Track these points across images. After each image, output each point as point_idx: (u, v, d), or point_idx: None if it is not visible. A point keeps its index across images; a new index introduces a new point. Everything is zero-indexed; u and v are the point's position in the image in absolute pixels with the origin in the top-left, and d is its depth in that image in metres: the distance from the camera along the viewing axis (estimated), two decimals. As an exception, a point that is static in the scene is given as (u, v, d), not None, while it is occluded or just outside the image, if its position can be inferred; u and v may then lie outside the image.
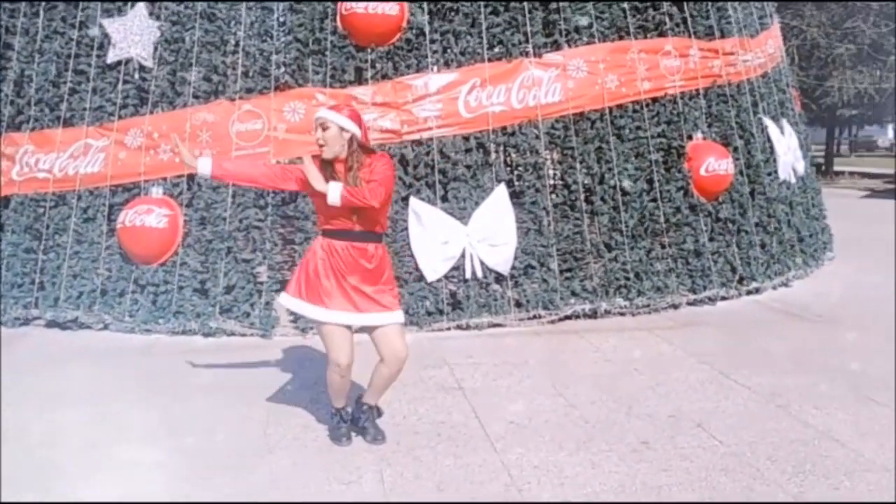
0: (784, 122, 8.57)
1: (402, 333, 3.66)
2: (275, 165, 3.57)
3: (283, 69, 6.43)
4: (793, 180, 8.37)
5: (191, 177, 6.20)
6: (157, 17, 6.37)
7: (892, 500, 3.10)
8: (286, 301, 3.70)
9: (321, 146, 3.54)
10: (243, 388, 4.64)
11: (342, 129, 3.53)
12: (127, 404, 4.39)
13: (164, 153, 6.22)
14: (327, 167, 3.56)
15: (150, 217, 5.97)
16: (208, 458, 3.64)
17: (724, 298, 6.81)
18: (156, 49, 6.35)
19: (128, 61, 6.35)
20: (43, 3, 6.64)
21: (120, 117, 6.33)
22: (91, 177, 6.35)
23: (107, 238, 6.24)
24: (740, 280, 7.01)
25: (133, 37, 6.33)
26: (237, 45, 6.35)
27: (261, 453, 3.71)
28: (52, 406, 4.37)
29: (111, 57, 6.35)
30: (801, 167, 8.73)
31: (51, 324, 6.17)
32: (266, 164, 3.55)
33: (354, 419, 3.89)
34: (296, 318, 5.96)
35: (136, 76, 6.37)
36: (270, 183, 3.86)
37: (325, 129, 3.53)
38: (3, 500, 2.97)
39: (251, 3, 6.36)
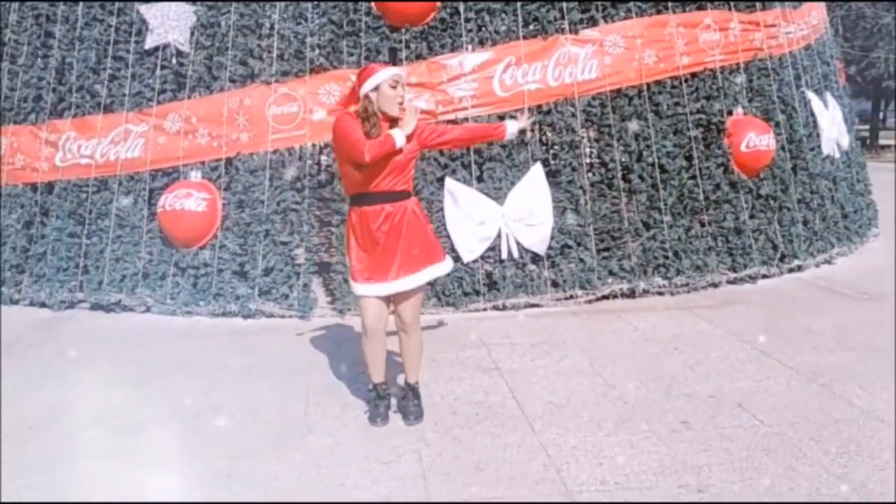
0: (828, 95, 8.36)
1: (416, 301, 3.76)
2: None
3: (317, 51, 6.44)
4: (837, 155, 8.17)
5: (229, 160, 6.27)
6: (193, 2, 6.41)
7: (892, 501, 3.03)
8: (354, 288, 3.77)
9: (400, 105, 3.60)
10: (283, 369, 4.70)
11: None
12: (170, 385, 4.49)
13: (201, 137, 6.28)
14: (369, 122, 3.57)
15: (189, 201, 6.05)
16: (250, 439, 3.70)
17: (765, 277, 6.70)
18: (192, 34, 6.41)
19: (165, 47, 6.41)
20: (82, -9, 6.73)
21: (158, 102, 6.41)
22: (131, 162, 6.45)
23: (148, 222, 6.34)
24: (782, 258, 6.88)
25: (170, 22, 6.39)
26: (272, 28, 6.37)
27: (301, 433, 3.76)
28: (98, 388, 4.48)
29: (149, 43, 6.42)
30: (845, 141, 8.52)
31: (95, 306, 6.31)
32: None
33: (396, 398, 3.95)
34: (333, 299, 6.02)
35: (174, 61, 6.43)
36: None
37: (404, 89, 3.65)
38: (4, 500, 3.04)
39: (285, -15, 6.37)
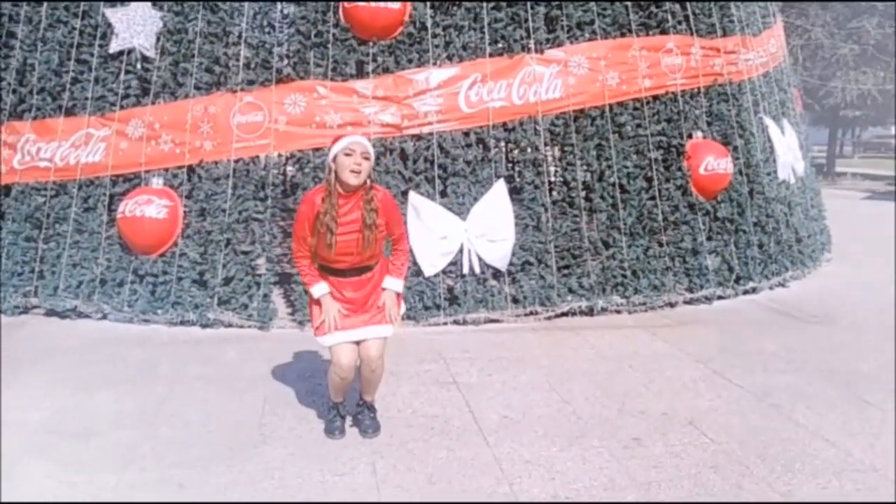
0: (785, 121, 8.58)
1: (381, 345, 3.74)
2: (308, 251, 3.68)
3: (285, 61, 6.44)
4: (792, 180, 8.38)
5: (191, 168, 6.22)
6: (160, 8, 6.37)
7: (892, 501, 3.12)
8: (323, 341, 3.73)
9: (354, 173, 3.49)
10: (240, 379, 4.68)
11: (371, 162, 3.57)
12: (124, 393, 4.43)
13: (164, 144, 6.23)
14: (329, 197, 3.52)
15: (150, 207, 5.99)
16: (204, 448, 3.67)
17: (720, 298, 6.83)
18: (158, 39, 6.37)
19: (130, 51, 6.36)
20: (46, -8, 6.65)
21: (122, 107, 6.35)
22: (92, 166, 6.37)
23: (107, 228, 6.26)
24: (737, 279, 7.03)
25: (136, 27, 6.34)
26: (239, 36, 6.36)
27: (256, 443, 3.74)
28: (49, 395, 4.40)
29: (114, 47, 6.37)
30: (800, 167, 8.74)
31: (50, 312, 6.20)
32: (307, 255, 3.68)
33: (351, 414, 3.95)
34: (293, 310, 5.99)
35: (139, 66, 6.38)
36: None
37: (366, 158, 3.51)
38: (3, 500, 3.00)
39: (254, -5, 6.37)
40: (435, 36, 6.36)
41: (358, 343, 3.71)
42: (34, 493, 3.21)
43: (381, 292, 3.75)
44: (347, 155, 3.48)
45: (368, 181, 3.57)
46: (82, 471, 3.42)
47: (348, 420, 3.94)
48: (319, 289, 3.66)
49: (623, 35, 6.85)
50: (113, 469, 3.44)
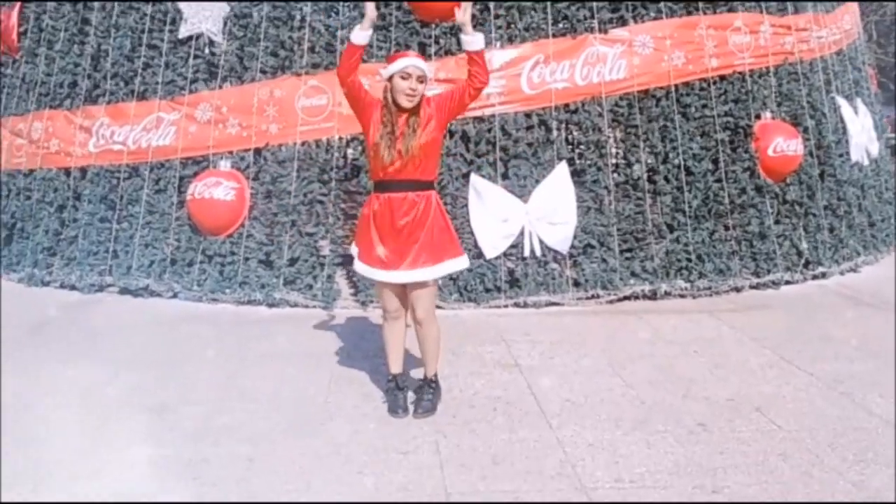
0: (858, 101, 8.29)
1: (430, 293, 3.78)
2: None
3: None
4: (865, 162, 8.10)
5: (257, 151, 6.35)
6: (227, -7, 6.50)
7: (892, 501, 3.03)
8: (353, 250, 3.90)
9: (409, 97, 3.57)
10: (305, 358, 4.78)
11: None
12: (194, 369, 4.58)
13: (232, 127, 6.38)
14: (388, 115, 3.60)
15: (218, 190, 6.15)
16: (272, 423, 3.77)
17: (788, 283, 6.67)
18: (225, 24, 6.50)
19: (198, 36, 6.51)
20: (119, -21, 6.85)
21: (190, 91, 6.52)
22: (162, 149, 6.57)
23: (177, 209, 6.45)
24: (806, 264, 6.85)
25: (204, 12, 6.49)
26: (303, 20, 6.44)
27: (322, 420, 3.82)
28: (124, 369, 4.58)
29: (183, 32, 6.53)
30: (875, 149, 8.44)
31: (123, 291, 6.44)
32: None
33: (413, 390, 4.02)
34: (356, 290, 6.08)
35: (206, 51, 6.53)
36: (358, 100, 3.74)
37: (421, 81, 3.58)
38: (4, 500, 3.11)
39: (318, -21, 6.43)
40: (497, 17, 6.33)
41: (405, 289, 3.75)
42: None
43: (426, 232, 3.68)
44: (403, 78, 3.55)
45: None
46: (158, 444, 3.55)
47: (410, 397, 3.99)
48: (355, 33, 3.60)
49: (689, 13, 6.70)
50: (186, 443, 3.57)
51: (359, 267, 3.83)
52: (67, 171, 6.95)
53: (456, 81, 6.13)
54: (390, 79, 3.59)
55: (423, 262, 3.69)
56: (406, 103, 3.58)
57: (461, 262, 3.87)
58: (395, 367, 3.96)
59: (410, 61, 3.59)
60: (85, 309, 6.03)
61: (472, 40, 3.67)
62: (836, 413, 3.91)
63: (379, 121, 3.64)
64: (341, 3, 6.51)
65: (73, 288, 6.55)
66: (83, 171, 6.88)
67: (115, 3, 6.85)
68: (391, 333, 3.90)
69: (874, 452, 3.44)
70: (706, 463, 3.35)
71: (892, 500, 3.03)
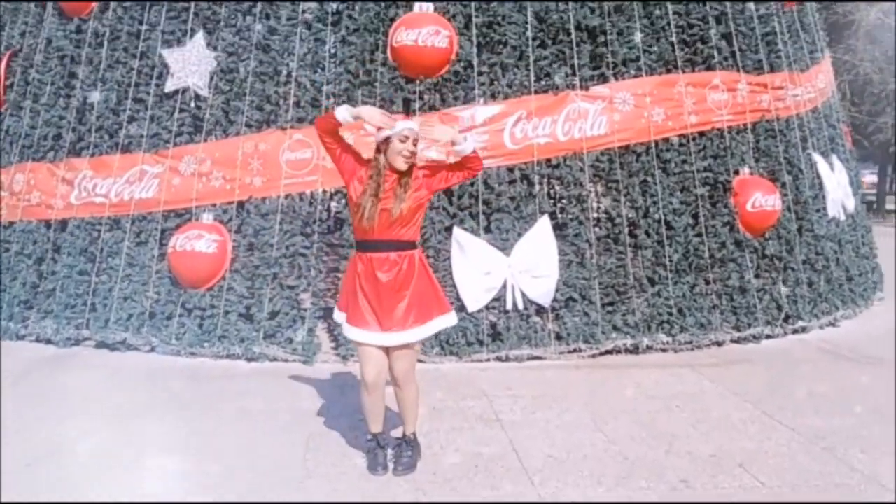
0: (834, 157, 8.45)
1: (410, 355, 3.73)
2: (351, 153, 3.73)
3: (333, 99, 6.57)
4: (842, 217, 8.22)
5: (240, 204, 6.36)
6: (214, 48, 6.58)
7: (892, 501, 3.01)
8: (336, 316, 3.90)
9: (406, 158, 3.61)
10: (284, 414, 4.71)
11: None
12: (170, 425, 4.49)
13: (215, 180, 6.39)
14: (377, 175, 3.62)
15: (200, 242, 6.12)
16: (248, 482, 3.70)
17: (769, 337, 6.70)
18: (211, 79, 6.56)
19: (184, 90, 6.57)
20: (107, 34, 6.91)
21: (175, 144, 6.54)
22: (145, 202, 6.55)
23: (157, 262, 6.41)
24: (786, 318, 6.88)
25: (191, 66, 6.55)
26: (289, 75, 6.51)
27: (299, 478, 3.76)
28: (97, 425, 4.49)
29: (169, 86, 6.58)
30: (851, 204, 8.58)
31: (100, 344, 6.34)
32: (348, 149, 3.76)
33: (392, 448, 3.96)
34: (337, 345, 6.04)
35: (192, 105, 6.58)
36: (340, 156, 3.75)
37: (415, 144, 3.65)
38: (4, 500, 3.04)
39: (304, 35, 6.53)
40: (481, 74, 6.44)
41: (386, 352, 3.70)
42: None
43: (412, 291, 3.67)
44: (402, 141, 3.60)
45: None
46: (131, 499, 3.47)
47: (390, 454, 3.93)
48: (340, 110, 3.61)
49: (668, 71, 6.85)
50: (160, 501, 3.48)
51: (347, 331, 3.75)
52: (48, 224, 6.91)
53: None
54: (386, 140, 3.62)
55: (412, 323, 3.67)
56: (403, 165, 3.61)
57: (450, 319, 3.86)
58: (376, 426, 3.90)
59: (407, 124, 3.66)
60: (60, 364, 5.93)
61: (464, 147, 3.75)
62: (818, 469, 3.90)
63: (365, 179, 3.64)
64: (327, 60, 6.61)
65: (48, 342, 6.45)
66: (63, 223, 6.84)
67: (103, 58, 6.91)
68: (371, 399, 3.80)
69: (857, 510, 3.42)
70: (689, 521, 3.31)
71: (892, 500, 3.01)
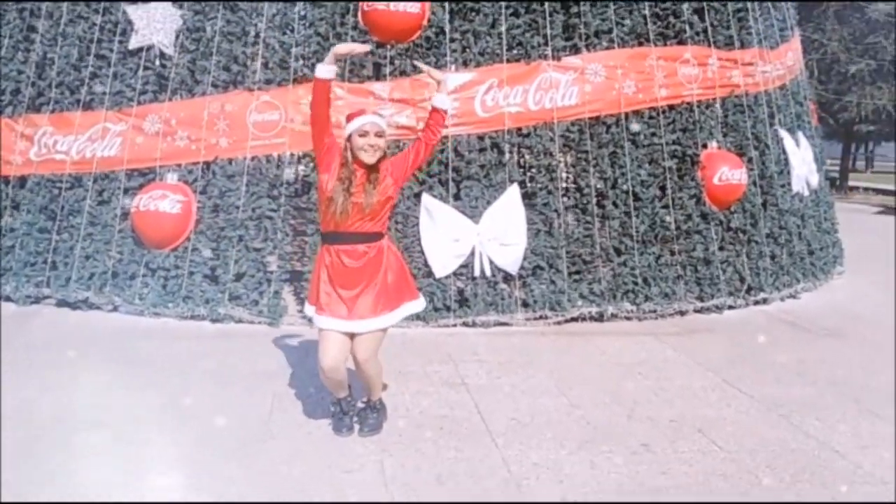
0: (800, 134, 8.55)
1: (373, 340, 3.70)
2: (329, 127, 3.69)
3: (302, 62, 6.47)
4: (806, 193, 8.35)
5: (206, 164, 6.26)
6: (180, 6, 6.42)
7: (892, 501, 3.11)
8: (307, 309, 3.85)
9: (368, 152, 3.57)
10: (249, 375, 4.69)
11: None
12: (133, 386, 4.45)
13: (180, 140, 6.27)
14: (347, 170, 3.59)
15: (164, 202, 6.03)
16: (212, 443, 3.68)
17: (731, 308, 6.81)
18: (177, 37, 6.41)
19: (149, 48, 6.41)
20: (69, -13, 6.72)
21: (139, 103, 6.39)
22: (107, 160, 6.42)
23: (120, 221, 6.30)
24: (748, 290, 7.00)
25: (155, 24, 6.39)
26: (258, 36, 6.40)
27: (263, 439, 3.75)
28: (57, 386, 4.43)
29: (133, 43, 6.41)
30: (814, 180, 8.70)
31: (61, 303, 6.25)
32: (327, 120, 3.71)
33: (355, 412, 3.95)
34: (303, 307, 6.00)
35: (157, 63, 6.43)
36: (322, 125, 3.67)
37: (380, 136, 3.61)
38: (3, 500, 3.02)
39: (274, -5, 6.40)
40: (453, 41, 6.37)
41: (351, 337, 3.68)
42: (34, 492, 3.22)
43: (381, 279, 3.68)
44: (361, 136, 3.58)
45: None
46: (92, 464, 3.43)
47: (355, 418, 3.93)
48: (320, 67, 3.57)
49: (640, 44, 6.85)
50: (121, 463, 3.45)
51: (318, 321, 3.69)
52: (6, 180, 6.73)
53: (409, 102, 6.19)
54: (349, 137, 3.60)
55: (381, 310, 3.67)
56: (367, 158, 3.58)
57: (418, 305, 3.87)
58: (339, 394, 3.88)
59: (367, 118, 3.62)
60: (22, 321, 5.83)
61: (445, 100, 3.76)
62: (774, 435, 3.99)
63: (337, 172, 3.61)
64: (297, 21, 6.49)
65: (8, 299, 6.33)
66: (23, 179, 6.68)
67: (64, 13, 6.70)
68: (330, 382, 3.75)
69: (810, 473, 3.52)
70: (649, 483, 3.38)
71: (893, 500, 3.10)
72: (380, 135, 3.61)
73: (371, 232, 3.68)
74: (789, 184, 7.93)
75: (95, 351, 5.15)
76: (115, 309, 6.09)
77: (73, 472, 3.32)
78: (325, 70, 3.56)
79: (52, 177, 6.56)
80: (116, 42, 6.51)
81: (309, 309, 3.81)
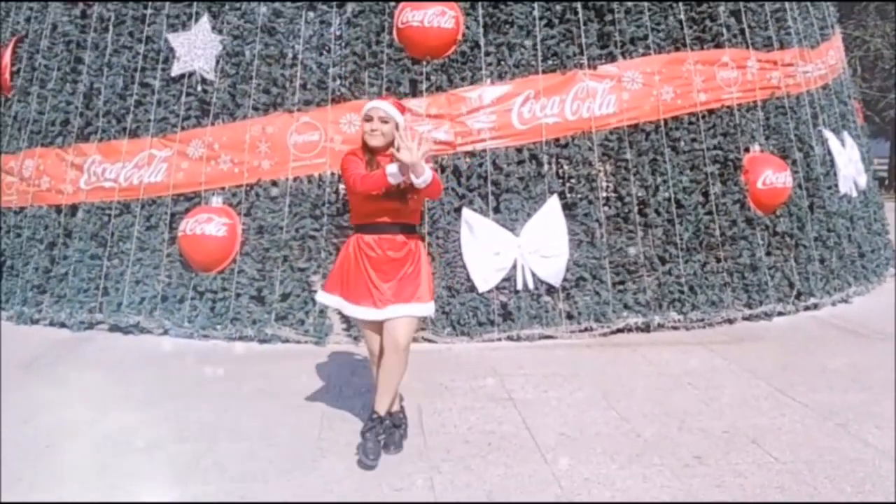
0: (845, 134, 8.38)
1: (411, 325, 3.69)
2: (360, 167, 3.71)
3: (339, 82, 6.55)
4: (854, 194, 8.17)
5: (249, 187, 6.36)
6: (220, 32, 6.56)
7: (892, 501, 3.01)
8: (322, 298, 3.91)
9: (373, 136, 3.63)
10: (297, 394, 4.73)
11: (397, 124, 3.67)
12: (185, 407, 4.52)
13: (224, 163, 6.38)
14: (370, 163, 3.66)
15: (209, 226, 6.13)
16: (264, 461, 3.72)
17: (780, 314, 6.68)
18: (217, 62, 6.54)
19: (191, 74, 6.55)
20: (112, 19, 6.90)
21: (182, 128, 6.53)
22: (154, 186, 6.56)
23: (168, 245, 6.43)
24: (798, 295, 6.86)
25: (196, 50, 6.53)
26: (295, 58, 6.50)
27: (315, 457, 3.78)
28: (114, 408, 4.52)
29: (175, 70, 6.57)
30: (862, 181, 8.52)
31: (113, 328, 6.38)
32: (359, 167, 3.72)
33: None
34: (349, 325, 6.05)
35: (199, 88, 6.56)
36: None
37: (384, 122, 3.64)
38: (4, 500, 3.07)
39: (310, 18, 6.51)
40: (488, 54, 6.40)
41: (381, 325, 3.71)
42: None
43: (416, 271, 3.71)
44: (367, 120, 3.66)
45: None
46: (148, 484, 3.50)
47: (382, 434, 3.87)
48: (390, 169, 3.49)
49: (677, 49, 6.79)
50: (176, 482, 3.51)
51: (347, 309, 3.76)
52: (58, 209, 6.93)
53: (446, 117, 6.22)
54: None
55: (418, 299, 3.68)
56: (373, 142, 3.64)
57: (430, 308, 3.79)
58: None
59: (371, 104, 3.71)
60: (75, 347, 5.97)
61: (422, 181, 3.48)
62: (832, 445, 3.90)
63: (364, 166, 3.66)
64: (333, 41, 6.58)
65: (62, 325, 6.49)
66: (74, 208, 6.87)
67: (109, 43, 6.90)
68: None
69: (871, 484, 3.42)
70: (703, 496, 3.32)
71: (892, 500, 3.01)
72: (384, 120, 3.63)
73: (410, 223, 3.75)
74: (836, 185, 7.77)
75: (147, 373, 5.25)
76: (166, 332, 6.20)
77: (126, 489, 3.38)
78: (397, 178, 3.50)
79: (101, 204, 6.72)
80: (159, 70, 6.67)
81: (327, 297, 3.84)
